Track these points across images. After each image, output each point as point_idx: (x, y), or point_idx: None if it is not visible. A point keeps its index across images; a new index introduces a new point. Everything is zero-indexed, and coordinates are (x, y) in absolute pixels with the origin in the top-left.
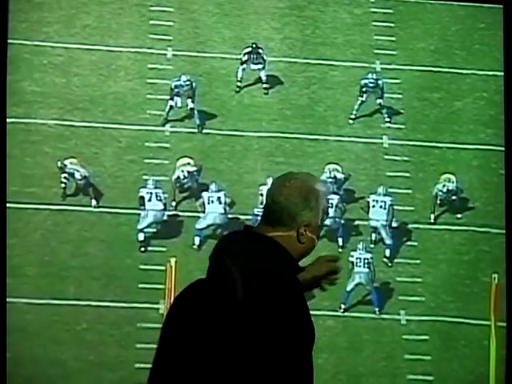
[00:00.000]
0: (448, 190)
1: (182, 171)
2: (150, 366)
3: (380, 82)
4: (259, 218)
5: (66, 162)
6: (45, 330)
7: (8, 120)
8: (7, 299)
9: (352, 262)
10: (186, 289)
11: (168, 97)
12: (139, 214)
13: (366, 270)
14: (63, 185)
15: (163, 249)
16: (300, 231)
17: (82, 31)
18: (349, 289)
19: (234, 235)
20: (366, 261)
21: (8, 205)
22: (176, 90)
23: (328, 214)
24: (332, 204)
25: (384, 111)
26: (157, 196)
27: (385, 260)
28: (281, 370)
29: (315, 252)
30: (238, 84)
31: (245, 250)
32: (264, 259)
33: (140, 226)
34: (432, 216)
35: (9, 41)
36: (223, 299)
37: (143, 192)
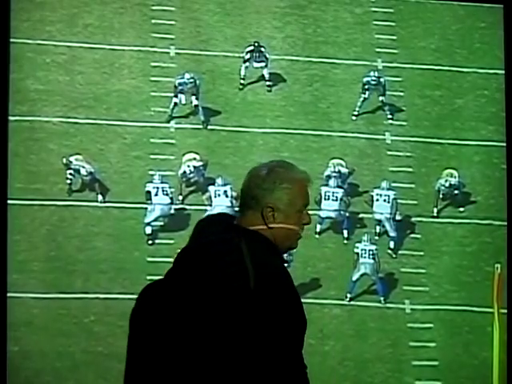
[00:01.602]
0: (450, 184)
1: (188, 166)
2: None
3: (382, 79)
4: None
5: (72, 158)
6: (52, 323)
7: (12, 118)
8: (13, 294)
9: (357, 253)
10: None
11: (172, 94)
12: (146, 209)
13: (371, 260)
14: (69, 181)
15: (171, 241)
16: (264, 213)
17: (85, 30)
18: (354, 279)
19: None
20: (371, 252)
21: (13, 201)
22: (180, 88)
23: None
24: (336, 197)
25: (386, 108)
26: (163, 190)
27: (389, 251)
28: (278, 358)
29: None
30: (241, 82)
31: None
32: (261, 252)
33: (147, 220)
34: (435, 210)
35: (11, 40)
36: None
37: (150, 187)
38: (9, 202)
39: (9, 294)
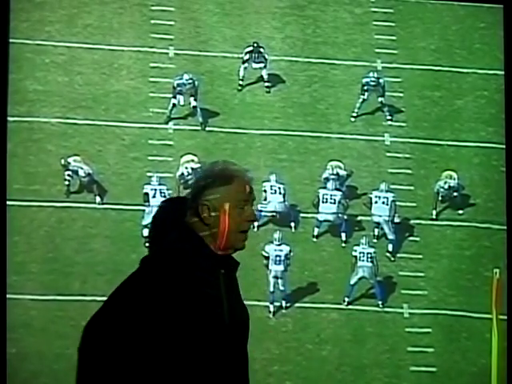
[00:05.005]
0: (449, 186)
1: (186, 168)
2: None
3: (381, 80)
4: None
5: (70, 159)
6: (50, 325)
7: (11, 119)
8: (11, 296)
9: (355, 257)
10: None
11: (170, 95)
12: (144, 211)
13: (369, 264)
14: (67, 182)
15: None
16: (199, 211)
17: (84, 30)
18: (352, 282)
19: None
20: (369, 255)
21: (12, 203)
22: (178, 89)
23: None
24: (334, 200)
25: (385, 109)
26: (161, 192)
27: (387, 255)
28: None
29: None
30: (240, 83)
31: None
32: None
33: (145, 222)
34: (434, 212)
35: (10, 40)
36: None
37: (147, 189)
38: (8, 203)
39: (7, 296)
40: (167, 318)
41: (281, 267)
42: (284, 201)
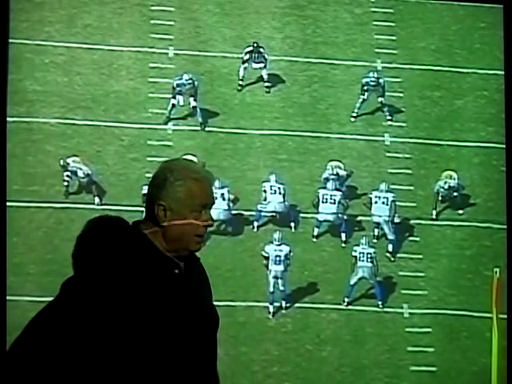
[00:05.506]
0: (449, 186)
1: None
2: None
3: (381, 80)
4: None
5: (69, 160)
6: None
7: (10, 119)
8: (10, 297)
9: (355, 257)
10: None
11: (170, 95)
12: (142, 212)
13: (369, 264)
14: (66, 183)
15: None
16: (155, 212)
17: (83, 31)
18: (352, 283)
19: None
20: (369, 255)
21: (10, 203)
22: (178, 89)
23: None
24: (334, 200)
25: (385, 109)
26: None
27: (387, 255)
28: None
29: None
30: (240, 83)
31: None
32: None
33: None
34: (434, 212)
35: (10, 40)
36: None
37: (146, 189)
38: (6, 203)
39: (6, 297)
40: (112, 337)
41: (281, 267)
42: (284, 201)
